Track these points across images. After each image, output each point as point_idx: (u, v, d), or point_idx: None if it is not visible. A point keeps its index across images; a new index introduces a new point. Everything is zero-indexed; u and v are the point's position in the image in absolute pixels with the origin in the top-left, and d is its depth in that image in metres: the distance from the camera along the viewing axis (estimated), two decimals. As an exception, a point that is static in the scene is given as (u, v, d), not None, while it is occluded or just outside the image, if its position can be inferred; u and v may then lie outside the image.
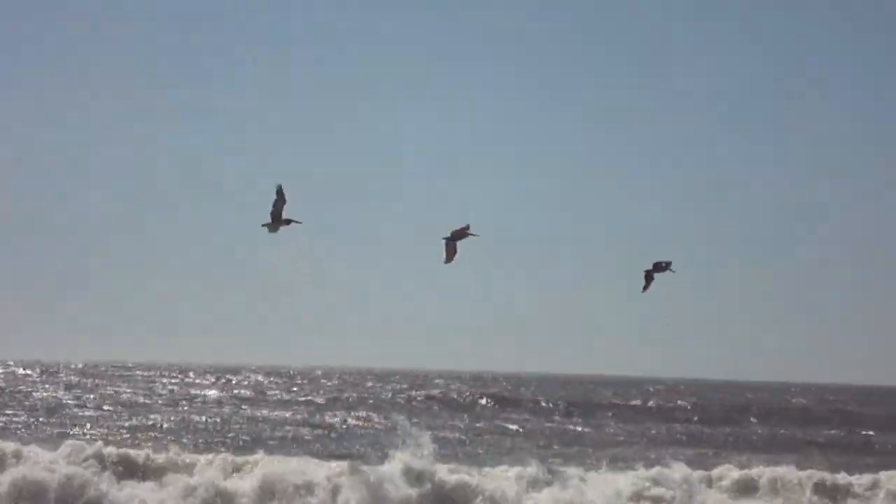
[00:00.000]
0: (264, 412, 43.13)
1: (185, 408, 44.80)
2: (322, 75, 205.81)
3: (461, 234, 12.00)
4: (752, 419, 50.52)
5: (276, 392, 61.00)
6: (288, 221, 13.48)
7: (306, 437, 34.27)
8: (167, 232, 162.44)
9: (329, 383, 76.24)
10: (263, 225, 13.60)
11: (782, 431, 43.81)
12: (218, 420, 38.60)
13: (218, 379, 77.11)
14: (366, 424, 39.48)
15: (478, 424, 41.51)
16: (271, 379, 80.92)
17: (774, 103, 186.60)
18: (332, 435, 35.55)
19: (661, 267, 11.57)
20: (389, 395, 59.87)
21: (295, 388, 65.91)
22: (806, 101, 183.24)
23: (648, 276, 11.64)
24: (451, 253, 12.38)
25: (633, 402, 59.75)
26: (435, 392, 63.05)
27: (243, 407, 46.13)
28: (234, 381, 74.24)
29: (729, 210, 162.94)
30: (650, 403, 59.13)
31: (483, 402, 54.90)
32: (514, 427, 40.72)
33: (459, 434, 36.91)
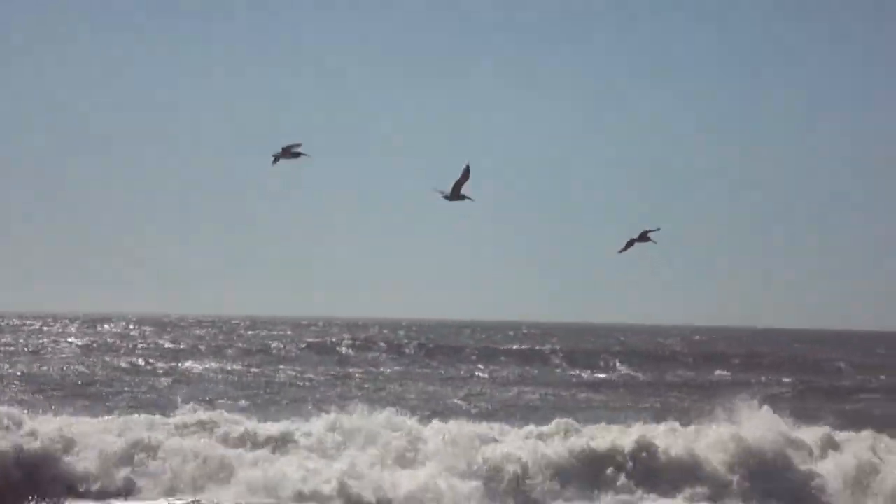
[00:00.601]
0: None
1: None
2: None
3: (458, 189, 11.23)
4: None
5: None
6: (297, 154, 12.87)
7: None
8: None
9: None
10: (273, 155, 12.99)
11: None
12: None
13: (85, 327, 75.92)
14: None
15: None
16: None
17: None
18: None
19: (645, 237, 11.24)
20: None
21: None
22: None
23: (630, 243, 11.51)
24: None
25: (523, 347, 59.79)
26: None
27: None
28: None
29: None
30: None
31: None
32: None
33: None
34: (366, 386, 34.98)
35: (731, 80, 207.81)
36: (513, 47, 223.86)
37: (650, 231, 11.22)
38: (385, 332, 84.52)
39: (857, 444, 20.66)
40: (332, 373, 39.99)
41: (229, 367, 41.22)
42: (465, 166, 11.43)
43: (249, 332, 76.06)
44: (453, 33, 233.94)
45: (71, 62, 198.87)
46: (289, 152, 12.71)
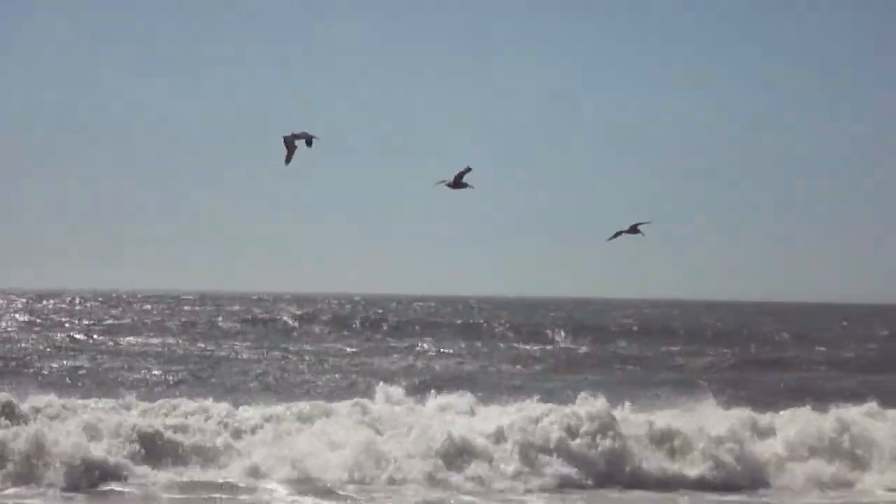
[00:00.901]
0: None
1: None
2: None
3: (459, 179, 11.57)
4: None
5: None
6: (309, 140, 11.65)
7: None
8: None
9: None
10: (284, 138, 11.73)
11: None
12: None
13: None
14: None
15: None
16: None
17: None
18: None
19: (635, 229, 11.43)
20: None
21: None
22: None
23: (619, 233, 11.66)
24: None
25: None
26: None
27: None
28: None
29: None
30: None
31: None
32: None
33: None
34: (306, 359, 34.89)
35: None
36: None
37: (641, 224, 11.33)
38: (333, 305, 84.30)
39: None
40: (272, 347, 39.91)
41: (170, 342, 41.19)
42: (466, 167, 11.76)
43: (197, 308, 75.46)
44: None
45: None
46: (304, 136, 11.80)
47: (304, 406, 20.38)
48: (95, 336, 43.42)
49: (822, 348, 45.48)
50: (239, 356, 36.01)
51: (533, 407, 20.08)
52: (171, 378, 28.73)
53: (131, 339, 42.42)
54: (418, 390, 23.40)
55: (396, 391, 21.87)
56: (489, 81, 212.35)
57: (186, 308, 74.96)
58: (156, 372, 30.08)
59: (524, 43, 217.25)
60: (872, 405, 21.08)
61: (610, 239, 11.60)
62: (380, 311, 74.65)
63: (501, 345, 45.15)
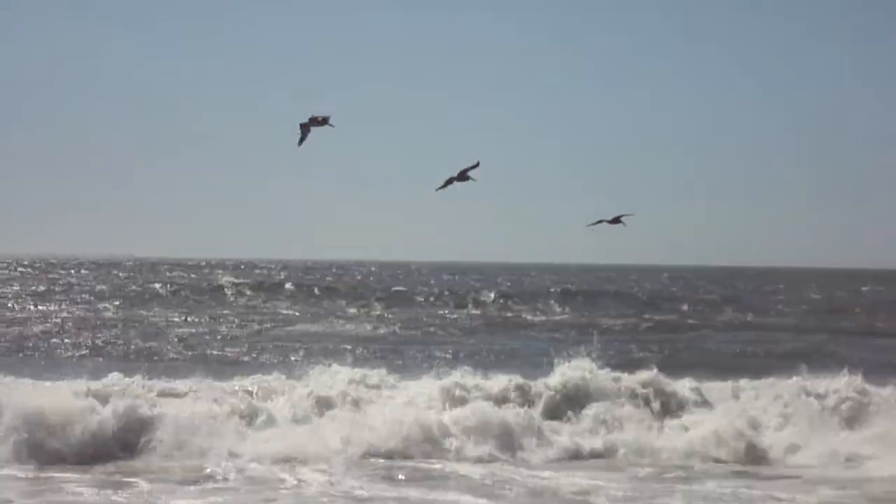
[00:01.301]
0: None
1: None
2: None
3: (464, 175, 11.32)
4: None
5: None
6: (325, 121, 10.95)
7: None
8: None
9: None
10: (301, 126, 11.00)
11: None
12: None
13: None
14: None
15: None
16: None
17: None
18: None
19: (618, 220, 11.90)
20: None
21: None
22: None
23: (601, 221, 11.98)
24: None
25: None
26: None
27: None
28: None
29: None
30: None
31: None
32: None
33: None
34: (241, 326, 34.62)
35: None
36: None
37: (623, 216, 11.69)
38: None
39: None
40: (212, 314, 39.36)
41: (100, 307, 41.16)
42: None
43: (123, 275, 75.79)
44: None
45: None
46: (318, 121, 10.98)
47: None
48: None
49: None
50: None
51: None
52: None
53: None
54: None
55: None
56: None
57: (121, 274, 75.29)
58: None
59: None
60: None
61: (590, 225, 11.82)
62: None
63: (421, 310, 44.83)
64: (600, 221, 11.95)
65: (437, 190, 11.28)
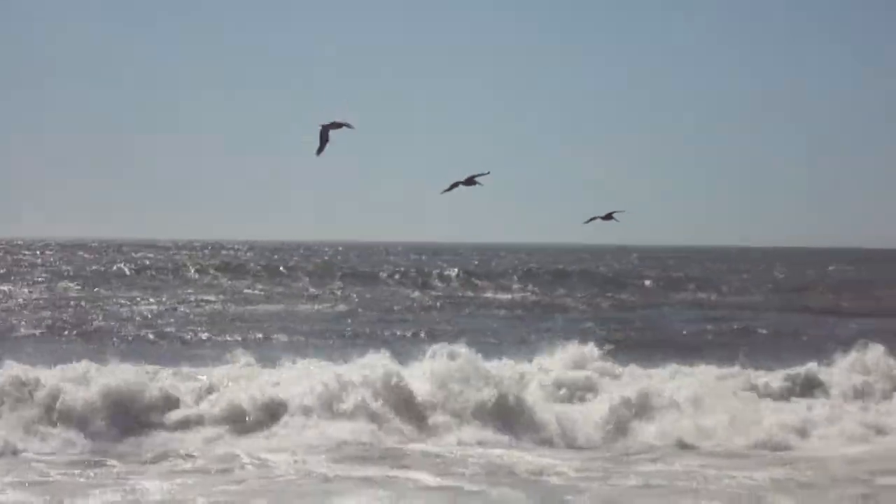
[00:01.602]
0: None
1: None
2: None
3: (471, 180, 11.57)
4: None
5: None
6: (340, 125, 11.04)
7: None
8: None
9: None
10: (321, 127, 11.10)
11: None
12: None
13: None
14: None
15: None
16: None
17: None
18: None
19: (610, 216, 12.75)
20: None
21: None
22: None
23: (594, 218, 12.65)
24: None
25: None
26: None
27: None
28: None
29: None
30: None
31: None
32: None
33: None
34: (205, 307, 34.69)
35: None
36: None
37: (616, 212, 12.26)
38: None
39: None
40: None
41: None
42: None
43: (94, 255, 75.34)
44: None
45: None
46: (338, 125, 11.03)
47: None
48: None
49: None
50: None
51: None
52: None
53: None
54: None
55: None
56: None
57: (86, 256, 74.32)
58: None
59: None
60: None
61: (586, 222, 12.21)
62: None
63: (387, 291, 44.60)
64: (594, 218, 12.38)
65: (442, 193, 11.48)
